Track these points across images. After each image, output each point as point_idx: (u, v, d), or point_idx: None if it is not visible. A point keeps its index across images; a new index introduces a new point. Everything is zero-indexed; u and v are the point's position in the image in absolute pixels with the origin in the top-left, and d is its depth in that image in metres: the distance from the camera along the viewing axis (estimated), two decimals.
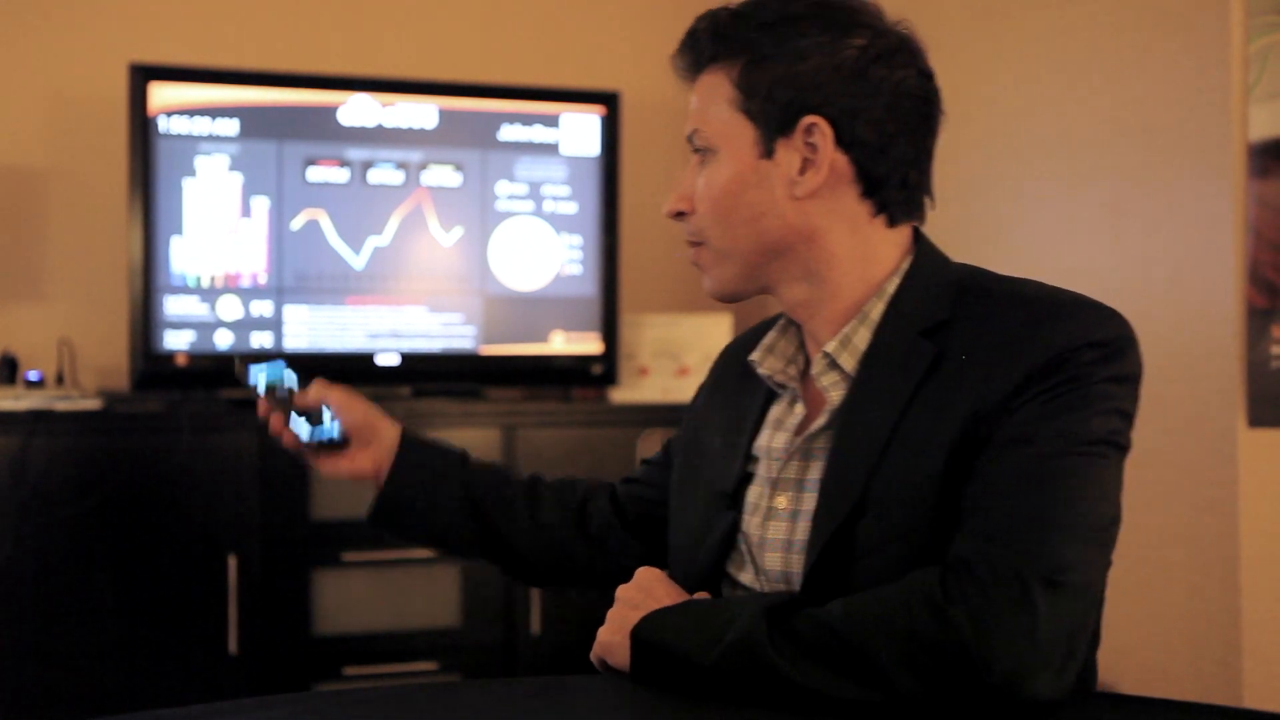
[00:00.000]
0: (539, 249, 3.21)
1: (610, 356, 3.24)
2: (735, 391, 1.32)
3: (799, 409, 1.24)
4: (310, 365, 3.07)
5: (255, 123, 3.02)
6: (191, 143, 2.98)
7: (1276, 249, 2.21)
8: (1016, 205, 2.81)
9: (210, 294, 2.99)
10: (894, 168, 1.19)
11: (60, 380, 3.02)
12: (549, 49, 3.53)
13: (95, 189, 3.18)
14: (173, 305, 2.96)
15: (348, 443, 1.47)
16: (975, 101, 2.95)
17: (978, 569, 1.01)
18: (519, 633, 3.01)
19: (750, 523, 1.22)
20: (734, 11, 1.21)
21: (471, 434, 3.04)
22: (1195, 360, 2.33)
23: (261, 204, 3.03)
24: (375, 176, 3.11)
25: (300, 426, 1.47)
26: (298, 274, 3.05)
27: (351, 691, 1.09)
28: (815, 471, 1.18)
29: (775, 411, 1.26)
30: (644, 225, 3.38)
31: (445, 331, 3.16)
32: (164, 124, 2.96)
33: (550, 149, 3.22)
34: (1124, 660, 2.48)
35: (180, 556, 2.80)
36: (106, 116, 3.11)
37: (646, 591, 1.17)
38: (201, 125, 2.98)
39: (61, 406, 2.77)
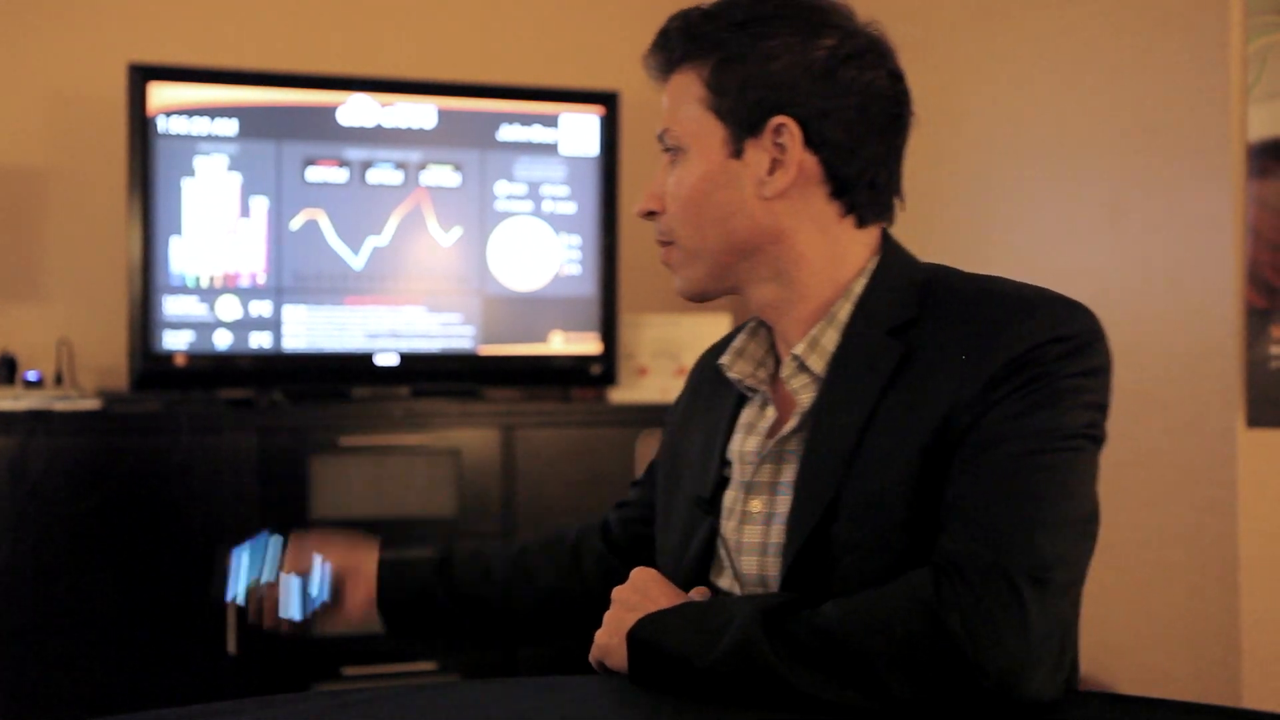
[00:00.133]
0: (538, 249, 3.21)
1: (609, 356, 3.24)
2: (710, 397, 1.32)
3: (770, 412, 1.24)
4: (310, 365, 3.08)
5: (254, 123, 3.02)
6: (191, 143, 2.98)
7: (1276, 249, 2.21)
8: (1016, 205, 2.81)
9: (209, 294, 2.99)
10: (863, 169, 1.19)
11: (59, 380, 3.02)
12: (548, 49, 3.53)
13: (95, 189, 3.18)
14: (172, 305, 2.96)
15: (340, 594, 1.46)
16: (975, 101, 2.95)
17: (967, 571, 1.01)
18: None
19: (727, 527, 1.22)
20: (705, 11, 1.21)
21: (471, 434, 3.04)
22: (1195, 360, 2.33)
23: (260, 204, 3.03)
24: (374, 176, 3.10)
25: (293, 606, 1.45)
26: (297, 274, 3.05)
27: (351, 691, 1.09)
28: (788, 474, 1.18)
29: (747, 415, 1.26)
30: (643, 225, 3.31)
31: (444, 331, 3.16)
32: (163, 124, 2.96)
33: (549, 149, 3.22)
34: (1124, 660, 2.48)
35: (180, 556, 2.80)
36: (106, 116, 3.10)
37: (643, 593, 1.17)
38: (201, 125, 2.98)
39: (60, 406, 2.77)
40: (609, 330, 3.25)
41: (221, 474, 2.84)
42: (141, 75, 2.93)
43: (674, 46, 1.21)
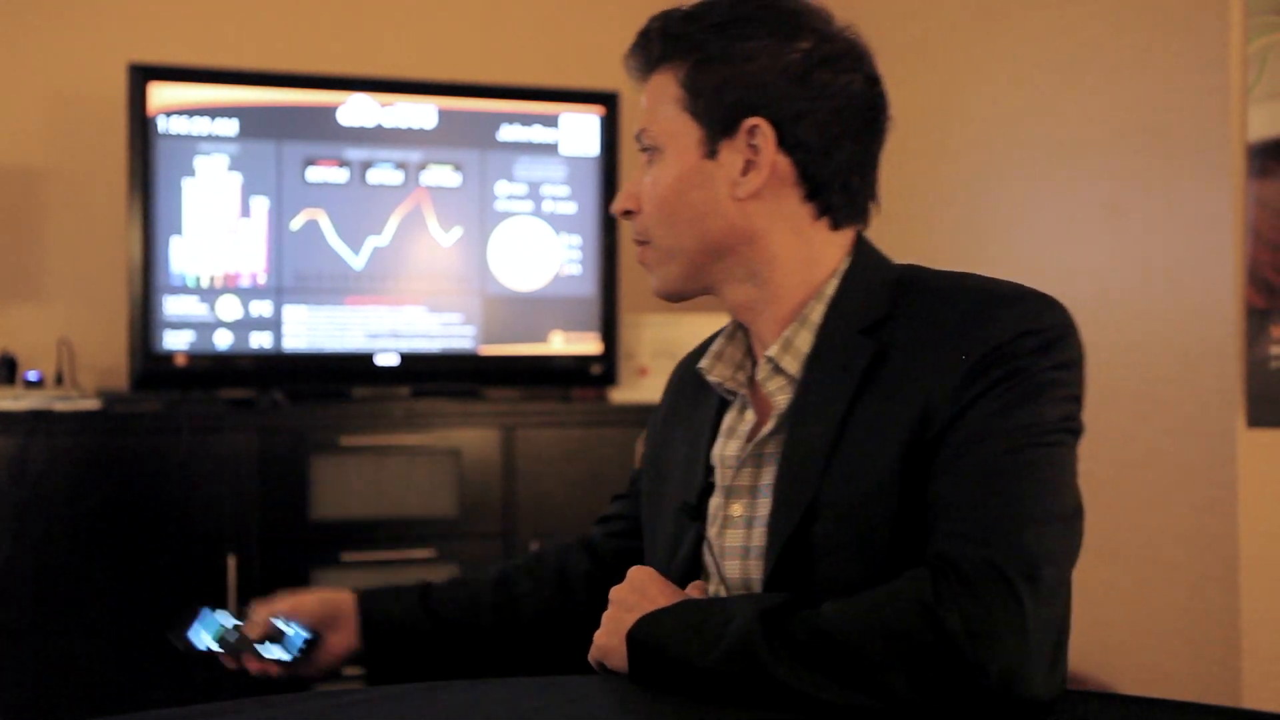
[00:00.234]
0: (538, 249, 3.21)
1: (610, 356, 3.24)
2: (692, 403, 1.32)
3: (749, 415, 1.24)
4: (310, 365, 3.09)
5: (255, 123, 3.02)
6: (191, 143, 2.98)
7: (1276, 249, 2.21)
8: (1016, 205, 2.81)
9: (210, 294, 2.99)
10: (837, 171, 1.20)
11: (60, 380, 3.02)
12: (548, 49, 3.53)
13: (95, 189, 3.18)
14: (172, 305, 2.96)
15: (320, 637, 1.45)
16: (975, 101, 2.95)
17: (964, 570, 1.01)
18: None
19: (710, 532, 1.23)
20: (685, 13, 1.22)
21: (471, 434, 3.04)
22: (1195, 360, 2.33)
23: (261, 204, 3.03)
24: (374, 176, 3.11)
25: (273, 653, 1.43)
26: (297, 274, 3.05)
27: (351, 691, 1.09)
28: (768, 477, 1.19)
29: (728, 419, 1.26)
30: None
31: (445, 331, 3.16)
32: (163, 124, 2.96)
33: (549, 149, 3.22)
34: (1124, 660, 2.48)
35: (180, 556, 2.80)
36: (106, 116, 3.10)
37: (640, 592, 1.17)
38: (201, 125, 2.98)
39: (61, 406, 2.77)
40: (609, 330, 3.25)
41: (222, 474, 2.84)
42: (142, 75, 2.93)
43: (653, 47, 1.22)
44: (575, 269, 3.24)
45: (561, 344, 3.23)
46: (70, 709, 2.68)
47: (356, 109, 3.09)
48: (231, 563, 2.80)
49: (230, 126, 3.00)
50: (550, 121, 3.22)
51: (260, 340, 3.03)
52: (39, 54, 3.20)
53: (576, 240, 3.23)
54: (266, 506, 2.86)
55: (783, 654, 1.02)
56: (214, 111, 2.99)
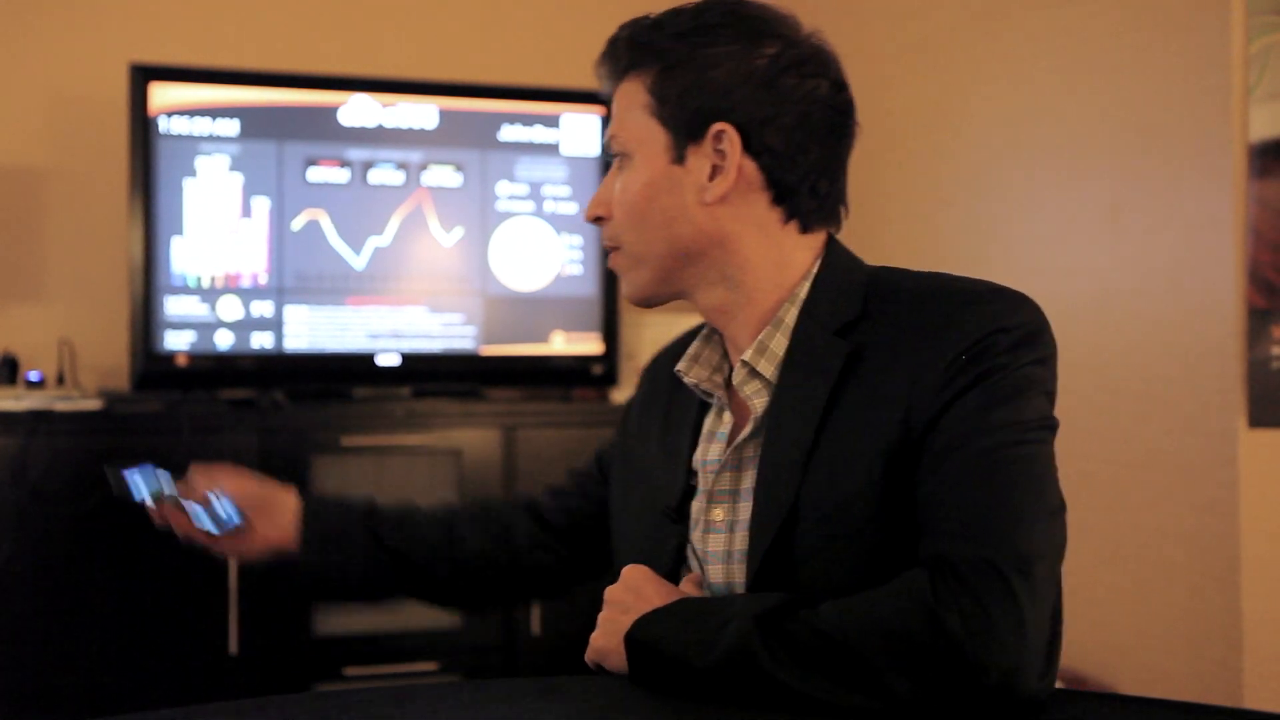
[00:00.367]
0: (539, 249, 3.21)
1: (611, 357, 3.24)
2: (667, 402, 1.33)
3: (727, 417, 1.25)
4: (311, 366, 3.09)
5: (256, 123, 3.02)
6: (192, 143, 2.98)
7: (1277, 249, 2.21)
8: (1016, 205, 2.81)
9: (211, 294, 2.99)
10: (804, 176, 1.20)
11: (61, 380, 3.02)
12: (549, 49, 3.53)
13: (95, 189, 3.18)
14: (173, 305, 2.96)
15: (247, 522, 1.47)
16: (975, 101, 2.95)
17: (961, 569, 1.02)
18: (519, 633, 3.01)
19: (693, 536, 1.23)
20: (653, 21, 1.23)
21: (471, 434, 3.04)
22: (1195, 361, 2.33)
23: (262, 204, 3.03)
24: (375, 177, 3.11)
25: (203, 520, 1.45)
26: (298, 274, 3.05)
27: (351, 692, 1.09)
28: (748, 481, 1.20)
29: (707, 422, 1.27)
30: None
31: (446, 332, 3.16)
32: (164, 124, 2.96)
33: (550, 149, 3.22)
34: (1124, 660, 2.48)
35: (181, 557, 2.79)
36: (107, 116, 3.11)
37: (636, 593, 1.17)
38: (202, 125, 2.98)
39: (62, 407, 2.77)
40: (610, 330, 3.25)
41: None
42: (143, 75, 2.93)
43: (620, 55, 1.24)
44: (576, 269, 3.24)
45: (562, 344, 3.23)
46: (70, 709, 2.68)
47: (357, 109, 3.09)
48: (233, 563, 2.80)
49: (231, 127, 3.00)
50: (551, 122, 3.22)
51: (261, 340, 3.03)
52: (40, 54, 3.20)
53: (578, 240, 3.23)
54: None
55: (781, 655, 1.03)
56: (215, 112, 2.99)
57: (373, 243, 3.10)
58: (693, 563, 1.23)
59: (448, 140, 3.16)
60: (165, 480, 1.47)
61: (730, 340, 1.26)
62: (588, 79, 1.22)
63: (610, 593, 1.19)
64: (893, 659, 1.00)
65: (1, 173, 3.16)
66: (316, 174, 3.06)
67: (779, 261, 1.22)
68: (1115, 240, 2.54)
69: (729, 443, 1.23)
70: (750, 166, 1.19)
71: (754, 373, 1.20)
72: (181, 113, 2.97)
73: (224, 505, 1.46)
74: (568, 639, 2.96)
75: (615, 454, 1.41)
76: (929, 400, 1.09)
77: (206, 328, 2.99)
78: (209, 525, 1.45)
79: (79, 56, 3.21)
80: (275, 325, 3.04)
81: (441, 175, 3.15)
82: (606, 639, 1.15)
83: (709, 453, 1.24)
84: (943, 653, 0.99)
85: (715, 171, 1.19)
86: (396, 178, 3.12)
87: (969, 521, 1.04)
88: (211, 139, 2.99)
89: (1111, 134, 2.56)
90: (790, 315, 1.21)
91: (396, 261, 3.12)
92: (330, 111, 3.08)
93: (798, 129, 1.19)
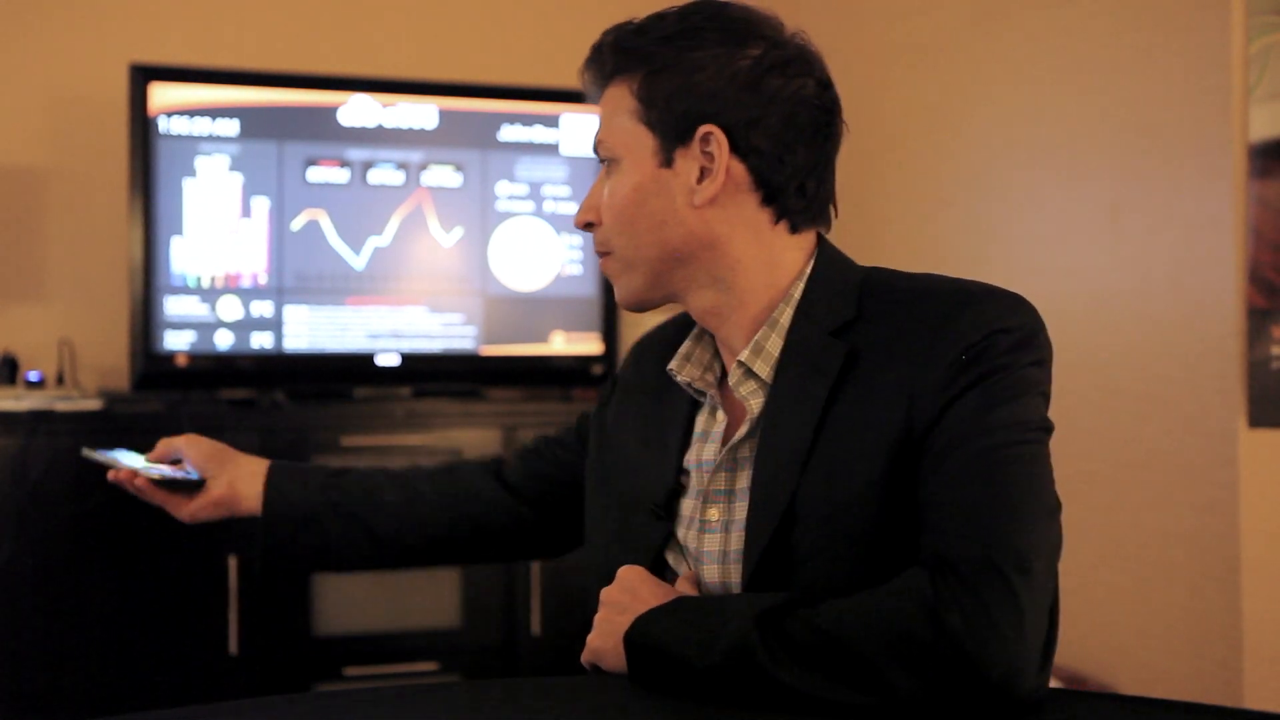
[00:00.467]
0: (539, 249, 3.22)
1: (610, 357, 3.24)
2: (653, 397, 1.32)
3: (720, 417, 1.25)
4: (311, 366, 3.09)
5: (255, 123, 3.03)
6: (192, 143, 2.98)
7: (1277, 249, 2.21)
8: (1017, 205, 2.81)
9: (211, 294, 2.99)
10: (791, 176, 1.21)
11: (60, 380, 3.02)
12: (549, 49, 3.53)
13: (95, 189, 3.18)
14: (173, 305, 2.96)
15: (204, 483, 1.53)
16: (976, 101, 2.95)
17: (962, 568, 1.02)
18: (519, 633, 3.01)
19: (687, 535, 1.23)
20: (637, 26, 1.23)
21: (471, 434, 3.04)
22: (1195, 361, 2.33)
23: (262, 204, 3.03)
24: (375, 177, 3.11)
25: (157, 469, 1.52)
26: (298, 274, 3.05)
27: (351, 692, 1.09)
28: (743, 481, 1.20)
29: (700, 422, 1.27)
30: None
31: (445, 332, 3.16)
32: (164, 124, 2.96)
33: (550, 149, 3.22)
34: (1124, 660, 2.48)
35: (181, 557, 2.80)
36: (107, 116, 3.11)
37: (632, 593, 1.17)
38: (202, 125, 2.99)
39: (62, 407, 2.77)
40: (610, 330, 3.25)
41: None
42: (143, 75, 2.94)
43: (605, 61, 1.24)
44: (576, 269, 3.24)
45: (562, 344, 3.23)
46: (70, 709, 2.68)
47: (357, 109, 3.10)
48: (233, 563, 2.80)
49: (231, 127, 3.00)
50: (551, 122, 3.22)
51: (261, 340, 3.03)
52: (40, 54, 3.20)
53: (577, 240, 3.23)
54: None
55: (781, 654, 1.03)
56: (215, 112, 2.99)
57: (373, 243, 3.10)
58: (687, 561, 1.23)
59: (448, 140, 3.16)
60: (133, 456, 1.54)
61: (723, 342, 1.26)
62: None
63: (606, 594, 1.19)
64: (893, 657, 1.00)
65: (1, 173, 3.16)
66: (316, 174, 3.06)
67: (770, 262, 1.22)
68: (1115, 240, 2.54)
69: (724, 443, 1.23)
70: (739, 168, 1.20)
71: (750, 373, 1.20)
72: (181, 113, 2.97)
73: (185, 466, 1.53)
74: (568, 639, 2.97)
75: (595, 425, 1.40)
76: (930, 400, 1.10)
77: (206, 328, 2.99)
78: (164, 471, 1.52)
79: (79, 56, 3.21)
80: (275, 325, 3.04)
81: (441, 175, 3.15)
82: (603, 640, 1.15)
83: (703, 453, 1.24)
84: (944, 650, 0.99)
85: (704, 174, 1.20)
86: (396, 178, 3.12)
87: (969, 520, 1.05)
88: (211, 139, 2.99)
89: (1111, 134, 2.56)
90: (785, 316, 1.21)
91: (396, 261, 3.12)
92: (330, 111, 3.08)
93: (785, 129, 1.19)
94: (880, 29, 3.23)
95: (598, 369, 3.24)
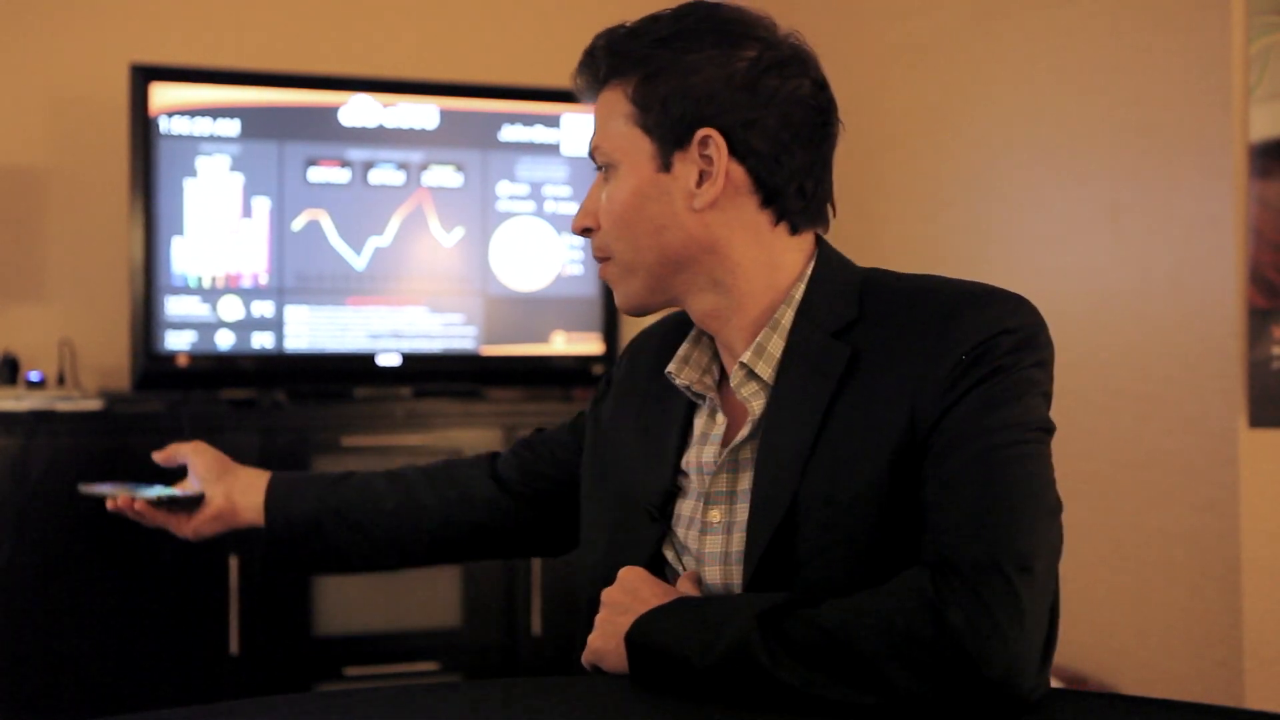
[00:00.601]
0: (540, 249, 3.22)
1: (611, 357, 3.24)
2: (649, 397, 1.32)
3: (720, 419, 1.25)
4: (311, 366, 3.09)
5: (256, 123, 3.03)
6: (192, 143, 2.98)
7: (1277, 249, 2.21)
8: (1017, 205, 2.81)
9: (211, 294, 2.99)
10: (790, 177, 1.20)
11: (61, 381, 3.02)
12: (550, 49, 3.53)
13: (96, 189, 3.18)
14: (174, 305, 2.96)
15: (202, 498, 1.54)
16: (975, 101, 2.95)
17: (963, 567, 1.02)
18: (519, 633, 3.01)
19: (687, 537, 1.23)
20: (630, 29, 1.22)
21: (472, 434, 3.04)
22: (1196, 360, 2.33)
23: (262, 204, 3.03)
24: (376, 177, 3.11)
25: (154, 490, 1.54)
26: (299, 274, 3.05)
27: (351, 692, 1.09)
28: (745, 482, 1.20)
29: (699, 424, 1.27)
30: None
31: (446, 332, 3.16)
32: (165, 124, 2.96)
33: (551, 149, 3.22)
34: (1124, 660, 2.48)
35: (181, 557, 2.80)
36: (107, 117, 3.11)
37: (632, 594, 1.17)
38: (202, 126, 2.99)
39: (62, 407, 2.77)
40: (611, 330, 3.25)
41: None
42: (143, 76, 2.94)
43: (599, 65, 1.23)
44: (577, 269, 3.24)
45: (563, 344, 3.23)
46: (71, 708, 2.68)
47: (358, 109, 3.10)
48: (233, 563, 2.80)
49: (232, 127, 3.00)
50: (552, 122, 3.22)
51: (262, 340, 3.03)
52: (41, 55, 3.20)
53: (578, 241, 3.23)
54: None
55: (782, 653, 1.03)
56: (215, 112, 3.00)
57: (373, 243, 3.10)
58: (686, 561, 1.23)
59: (448, 140, 3.16)
60: (128, 486, 1.56)
61: (723, 344, 1.25)
62: None
63: (607, 594, 1.19)
64: (894, 656, 1.00)
65: (1, 173, 3.16)
66: (317, 174, 3.06)
67: (770, 264, 1.22)
68: (1115, 240, 2.54)
69: (724, 444, 1.23)
70: (738, 170, 1.19)
71: (751, 374, 1.20)
72: (182, 113, 2.97)
73: (183, 490, 1.54)
74: (568, 639, 2.97)
75: (590, 423, 1.40)
76: (933, 401, 1.10)
77: (207, 328, 2.99)
78: (161, 491, 1.53)
79: (79, 56, 3.22)
80: (276, 325, 3.04)
81: (442, 175, 3.15)
82: (604, 640, 1.15)
83: (704, 455, 1.24)
84: (946, 649, 0.99)
85: (703, 177, 1.19)
86: (397, 178, 3.12)
87: (971, 520, 1.05)
88: (212, 139, 2.99)
89: (1111, 134, 2.56)
90: (786, 317, 1.21)
91: (397, 262, 3.12)
92: (330, 111, 3.08)
93: (782, 130, 1.19)
94: (880, 29, 3.22)
95: (598, 369, 3.24)
